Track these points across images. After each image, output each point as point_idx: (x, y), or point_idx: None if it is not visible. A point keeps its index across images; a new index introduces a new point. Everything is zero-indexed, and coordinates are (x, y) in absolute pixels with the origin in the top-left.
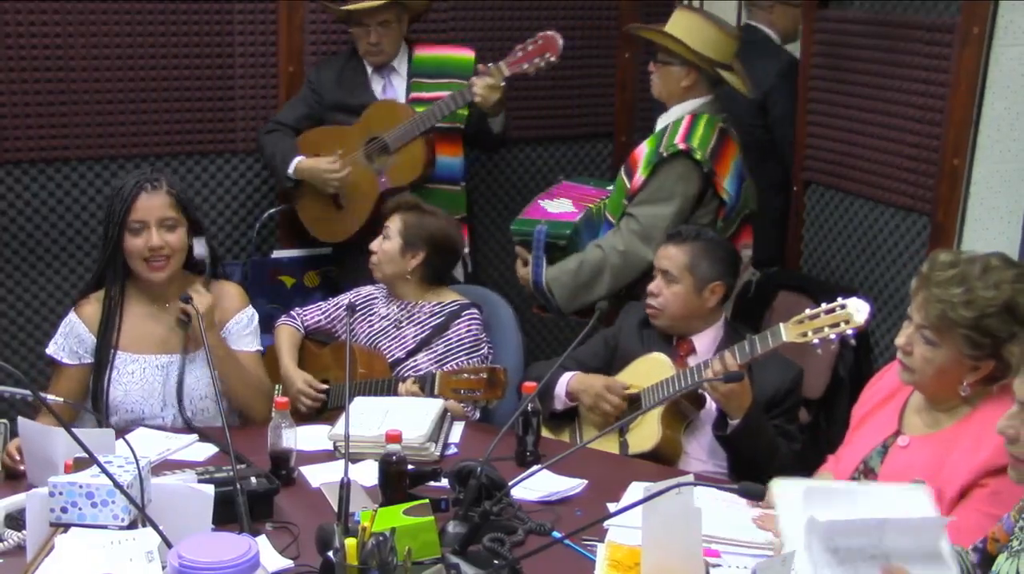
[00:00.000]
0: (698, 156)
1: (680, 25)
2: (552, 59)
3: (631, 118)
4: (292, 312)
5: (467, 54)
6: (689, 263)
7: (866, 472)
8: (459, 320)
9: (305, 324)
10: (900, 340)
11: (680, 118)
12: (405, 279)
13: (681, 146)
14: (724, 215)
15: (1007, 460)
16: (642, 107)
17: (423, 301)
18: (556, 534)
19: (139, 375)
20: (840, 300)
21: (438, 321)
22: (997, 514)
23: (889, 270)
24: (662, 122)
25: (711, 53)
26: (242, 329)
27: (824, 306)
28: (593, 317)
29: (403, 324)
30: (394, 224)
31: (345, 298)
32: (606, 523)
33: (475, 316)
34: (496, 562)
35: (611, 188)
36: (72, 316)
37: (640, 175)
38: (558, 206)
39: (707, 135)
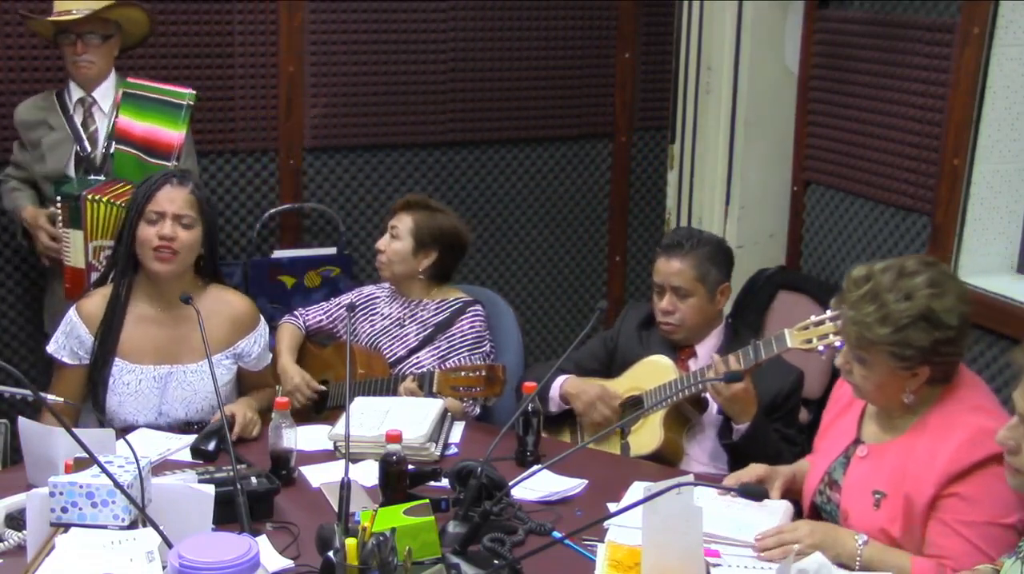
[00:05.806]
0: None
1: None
2: None
3: (631, 118)
4: (295, 311)
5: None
6: (698, 275)
7: (831, 484)
8: (463, 317)
9: (307, 324)
10: (839, 361)
11: (134, 81)
12: (414, 278)
13: (191, 91)
14: None
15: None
16: (642, 107)
17: (427, 299)
18: (556, 534)
19: (135, 386)
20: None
21: (442, 318)
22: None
23: None
24: (108, 97)
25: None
26: (254, 347)
27: (829, 313)
28: (593, 318)
29: (406, 323)
30: (403, 223)
31: (347, 298)
32: (606, 523)
33: (479, 313)
34: (496, 562)
35: (103, 178)
36: (72, 315)
37: (177, 134)
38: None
39: None
